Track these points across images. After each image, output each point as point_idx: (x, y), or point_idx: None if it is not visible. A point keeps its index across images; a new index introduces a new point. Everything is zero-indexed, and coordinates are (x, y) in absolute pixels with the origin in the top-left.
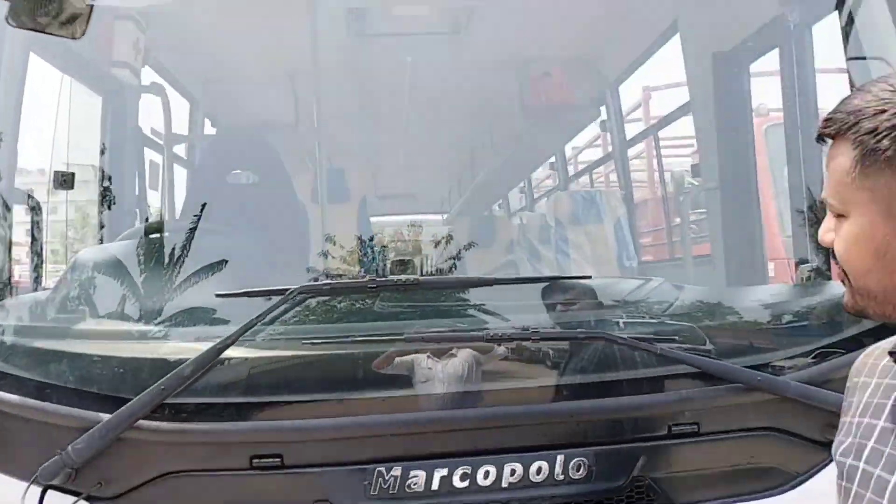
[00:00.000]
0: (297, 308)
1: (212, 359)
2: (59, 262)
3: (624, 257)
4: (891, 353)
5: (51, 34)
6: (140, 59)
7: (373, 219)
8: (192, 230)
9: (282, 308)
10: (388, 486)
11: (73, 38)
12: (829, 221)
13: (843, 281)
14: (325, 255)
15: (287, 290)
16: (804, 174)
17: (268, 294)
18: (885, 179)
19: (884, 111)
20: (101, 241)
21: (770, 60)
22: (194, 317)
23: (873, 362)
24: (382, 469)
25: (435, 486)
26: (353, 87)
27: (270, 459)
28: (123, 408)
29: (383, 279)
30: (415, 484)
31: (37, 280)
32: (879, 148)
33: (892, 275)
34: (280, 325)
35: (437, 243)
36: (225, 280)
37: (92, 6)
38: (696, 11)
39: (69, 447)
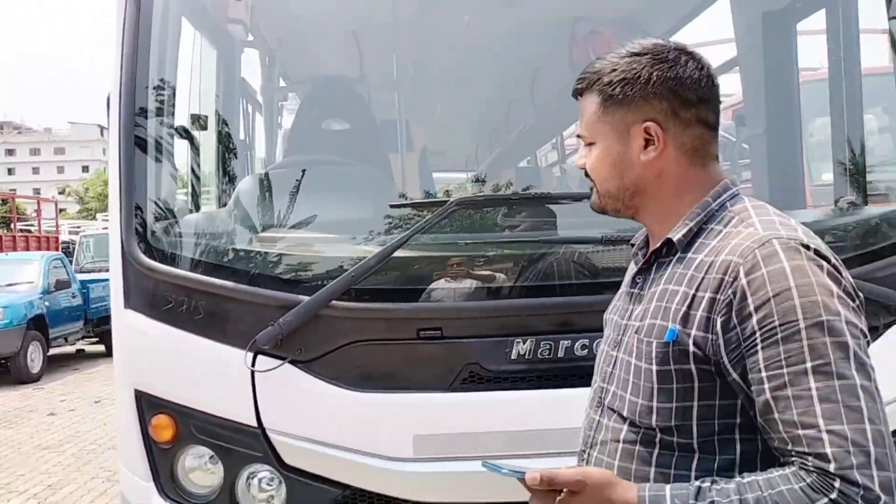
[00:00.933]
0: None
1: (389, 254)
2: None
3: None
4: (630, 244)
5: None
6: (248, 17)
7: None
8: (327, 162)
9: (443, 216)
10: (524, 353)
11: None
12: (582, 151)
13: (591, 189)
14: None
15: (447, 201)
16: (846, 126)
17: (432, 205)
18: (619, 115)
19: (615, 70)
20: (226, 173)
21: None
22: (363, 225)
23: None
24: (519, 340)
25: (560, 354)
26: (413, 46)
27: (433, 331)
28: (323, 289)
29: (524, 193)
30: (544, 352)
31: (195, 200)
32: (614, 94)
33: (621, 179)
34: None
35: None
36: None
37: None
38: None
39: (280, 320)
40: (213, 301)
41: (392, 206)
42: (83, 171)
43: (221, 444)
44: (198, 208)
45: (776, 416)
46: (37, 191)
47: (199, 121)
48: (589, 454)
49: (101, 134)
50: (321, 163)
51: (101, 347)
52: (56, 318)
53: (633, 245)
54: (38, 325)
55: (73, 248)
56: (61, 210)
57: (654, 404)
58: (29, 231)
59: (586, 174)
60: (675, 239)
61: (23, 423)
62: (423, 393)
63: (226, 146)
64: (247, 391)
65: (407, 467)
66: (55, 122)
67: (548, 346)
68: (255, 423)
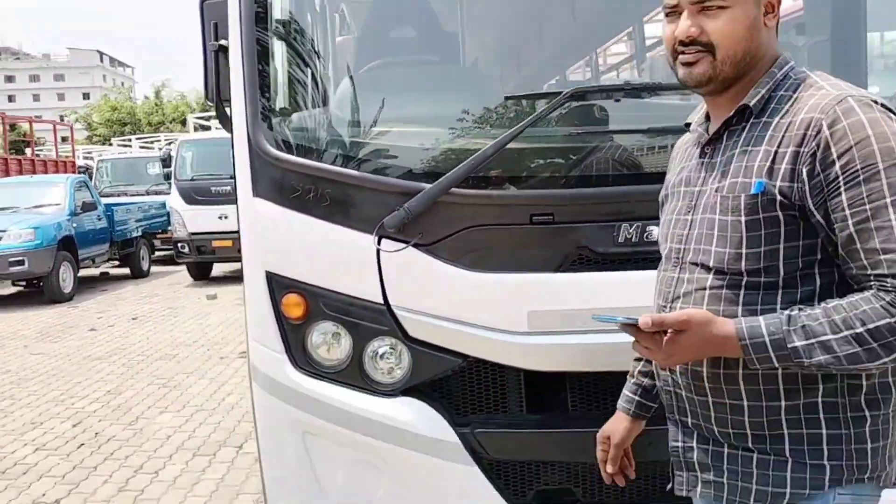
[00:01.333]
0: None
1: (505, 143)
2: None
3: None
4: (686, 124)
5: None
6: None
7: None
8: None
9: (557, 105)
10: (630, 237)
11: None
12: (687, 21)
13: (693, 63)
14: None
15: (561, 92)
16: None
17: (546, 96)
18: None
19: None
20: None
21: None
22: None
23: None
24: (626, 225)
25: None
26: None
27: (545, 217)
28: (445, 176)
29: (637, 83)
30: (649, 236)
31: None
32: None
33: (751, 41)
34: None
35: None
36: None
37: None
38: None
39: (406, 205)
40: (339, 189)
41: (507, 98)
42: (84, 97)
43: (349, 320)
44: (320, 103)
45: (858, 245)
46: (38, 118)
47: (315, 19)
48: (671, 307)
49: (101, 60)
50: (431, 63)
51: (125, 270)
52: (84, 240)
53: (688, 125)
54: (67, 247)
55: (90, 173)
56: (67, 137)
57: (744, 251)
58: (37, 156)
59: (686, 44)
60: (751, 104)
61: (67, 338)
62: (535, 273)
63: (341, 44)
64: (373, 272)
65: (522, 340)
66: (53, 47)
67: (652, 230)
68: (381, 301)
